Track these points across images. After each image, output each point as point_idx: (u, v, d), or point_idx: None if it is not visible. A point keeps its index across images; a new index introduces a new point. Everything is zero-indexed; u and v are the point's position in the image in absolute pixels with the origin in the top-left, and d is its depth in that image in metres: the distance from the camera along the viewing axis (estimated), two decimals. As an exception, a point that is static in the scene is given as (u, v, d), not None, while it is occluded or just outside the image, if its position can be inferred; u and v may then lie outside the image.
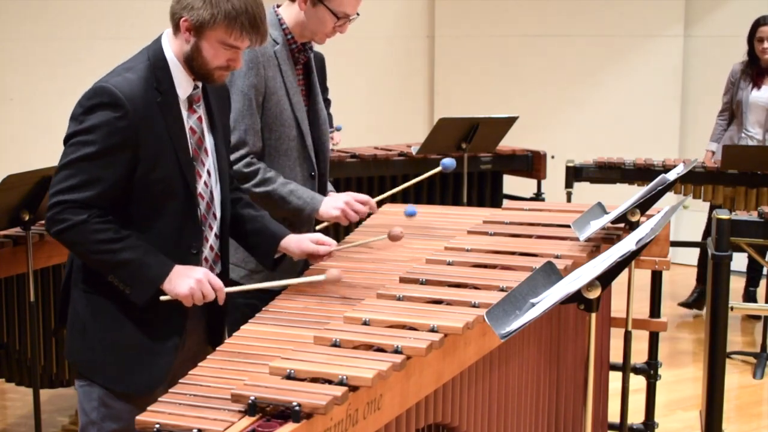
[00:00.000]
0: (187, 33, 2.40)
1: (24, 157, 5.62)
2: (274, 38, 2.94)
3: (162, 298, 2.41)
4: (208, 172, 2.56)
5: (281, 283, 2.67)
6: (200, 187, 2.52)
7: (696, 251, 6.28)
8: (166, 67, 2.45)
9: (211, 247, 2.60)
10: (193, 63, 2.44)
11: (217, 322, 2.67)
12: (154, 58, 2.45)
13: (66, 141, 2.39)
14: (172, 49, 2.46)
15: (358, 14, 2.98)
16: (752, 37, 5.72)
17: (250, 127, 2.93)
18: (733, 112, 5.91)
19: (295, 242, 2.73)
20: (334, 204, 2.96)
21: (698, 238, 6.17)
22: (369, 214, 3.14)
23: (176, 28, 2.44)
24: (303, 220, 3.02)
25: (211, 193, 2.57)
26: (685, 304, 6.14)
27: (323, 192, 3.13)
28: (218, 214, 2.61)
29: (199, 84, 2.53)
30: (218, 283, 2.46)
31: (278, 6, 3.03)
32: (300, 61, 3.07)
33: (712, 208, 5.88)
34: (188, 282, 2.40)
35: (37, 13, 6.64)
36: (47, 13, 6.65)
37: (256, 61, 2.90)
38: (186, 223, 2.50)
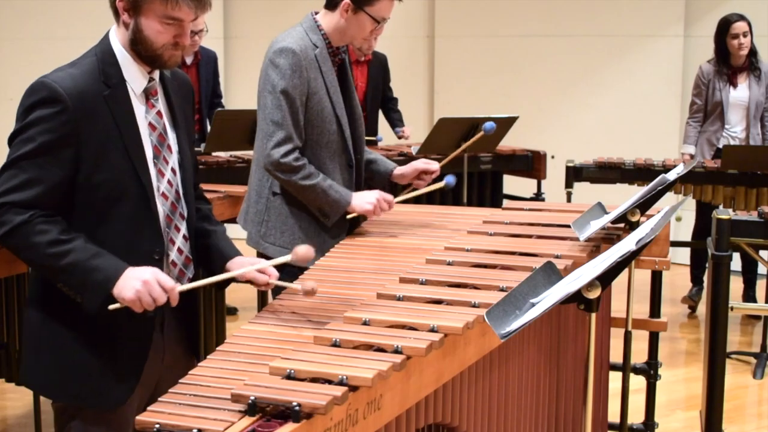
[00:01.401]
0: (126, 14, 2.28)
1: (24, 157, 5.61)
2: (314, 42, 3.23)
3: (110, 306, 2.22)
4: (173, 170, 2.41)
5: (233, 274, 2.51)
6: (164, 187, 2.38)
7: (696, 252, 6.29)
8: (115, 62, 2.32)
9: (180, 250, 2.44)
10: (138, 47, 2.30)
11: (191, 327, 2.57)
12: (102, 53, 2.33)
13: (9, 142, 2.26)
14: (120, 41, 2.33)
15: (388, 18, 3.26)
16: (724, 36, 5.74)
17: (296, 123, 3.19)
18: (706, 113, 5.91)
19: (238, 265, 2.50)
20: (367, 199, 3.26)
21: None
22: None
23: (116, 15, 2.31)
24: (337, 212, 3.27)
25: (177, 192, 2.42)
26: (691, 298, 6.15)
27: (360, 179, 3.44)
28: (185, 214, 2.46)
29: (155, 76, 2.40)
30: (168, 282, 2.25)
31: (316, 13, 3.29)
32: (335, 64, 3.31)
33: (699, 207, 5.88)
34: (134, 285, 2.20)
35: (37, 13, 6.64)
36: (47, 13, 6.66)
37: (299, 65, 3.16)
38: (143, 227, 2.34)
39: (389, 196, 3.30)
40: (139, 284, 2.21)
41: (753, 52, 5.78)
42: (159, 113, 2.40)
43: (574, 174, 5.75)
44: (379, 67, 6.32)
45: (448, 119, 5.46)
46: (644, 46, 7.45)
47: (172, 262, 2.43)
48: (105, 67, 2.31)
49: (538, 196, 6.19)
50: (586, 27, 7.55)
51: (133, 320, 2.30)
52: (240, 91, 7.66)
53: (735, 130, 5.82)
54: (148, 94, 2.38)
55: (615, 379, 3.52)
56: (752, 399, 4.86)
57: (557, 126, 7.62)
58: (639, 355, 3.62)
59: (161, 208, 2.39)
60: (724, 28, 5.75)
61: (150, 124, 2.37)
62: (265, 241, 3.30)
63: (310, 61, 3.19)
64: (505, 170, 6.26)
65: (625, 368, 3.44)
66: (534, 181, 6.26)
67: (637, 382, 3.67)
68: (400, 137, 6.44)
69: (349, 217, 3.33)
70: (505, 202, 5.81)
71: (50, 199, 2.24)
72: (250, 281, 2.50)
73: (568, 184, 5.75)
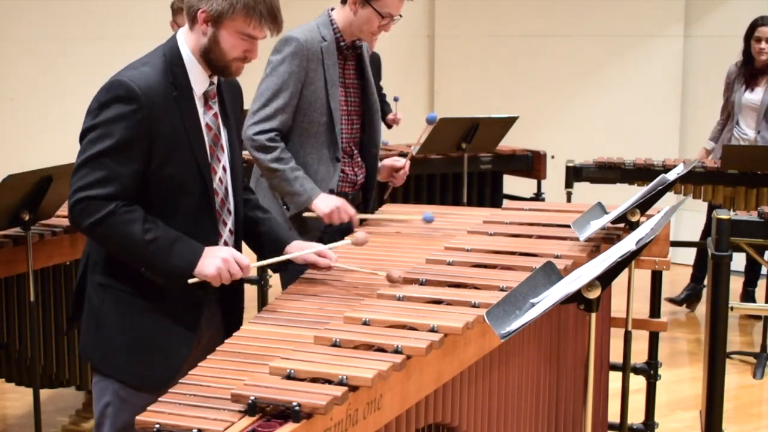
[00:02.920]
0: (205, 25, 2.43)
1: (24, 157, 5.62)
2: (323, 36, 3.33)
3: (190, 281, 2.42)
4: (224, 168, 2.57)
5: (297, 255, 2.73)
6: (215, 184, 2.54)
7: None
8: (182, 63, 2.47)
9: (226, 243, 2.60)
10: (210, 55, 2.45)
11: (233, 314, 2.68)
12: (170, 54, 2.47)
13: (82, 136, 2.40)
14: (188, 44, 2.48)
15: (400, 15, 3.36)
16: (750, 37, 5.73)
17: (282, 107, 3.27)
18: (729, 112, 5.92)
19: (297, 249, 2.74)
20: (327, 203, 3.24)
21: (698, 238, 6.16)
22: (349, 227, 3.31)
23: (192, 22, 2.45)
24: (297, 206, 3.28)
25: (226, 189, 2.59)
26: (673, 301, 6.14)
27: (373, 171, 3.51)
28: (232, 210, 2.63)
29: (215, 80, 2.55)
30: (245, 261, 2.47)
31: (332, 9, 3.40)
32: (350, 58, 3.42)
33: (710, 208, 5.88)
34: (215, 262, 2.41)
35: (36, 13, 6.64)
36: (47, 13, 6.65)
37: (300, 53, 3.26)
38: (201, 220, 2.51)
39: (351, 210, 3.26)
40: (219, 261, 2.42)
41: None
42: (215, 114, 2.56)
43: (574, 174, 5.74)
44: (375, 66, 6.29)
45: (448, 119, 5.46)
46: (644, 46, 7.45)
47: None
48: (173, 69, 2.46)
49: (538, 196, 6.18)
50: (586, 27, 7.55)
51: (185, 307, 2.49)
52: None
53: (745, 132, 5.82)
54: (207, 97, 2.53)
55: (615, 379, 3.52)
56: (752, 399, 4.86)
57: (557, 126, 7.61)
58: (639, 355, 3.62)
59: (214, 204, 2.54)
60: (751, 29, 5.73)
61: (207, 124, 2.53)
62: None
63: (313, 53, 3.28)
64: (505, 170, 6.26)
65: (625, 368, 3.43)
66: (534, 181, 6.25)
67: (637, 382, 3.67)
68: (390, 125, 6.35)
69: (305, 215, 3.32)
70: (505, 202, 5.81)
71: (128, 191, 2.39)
72: (313, 264, 2.75)
73: (568, 184, 5.74)
